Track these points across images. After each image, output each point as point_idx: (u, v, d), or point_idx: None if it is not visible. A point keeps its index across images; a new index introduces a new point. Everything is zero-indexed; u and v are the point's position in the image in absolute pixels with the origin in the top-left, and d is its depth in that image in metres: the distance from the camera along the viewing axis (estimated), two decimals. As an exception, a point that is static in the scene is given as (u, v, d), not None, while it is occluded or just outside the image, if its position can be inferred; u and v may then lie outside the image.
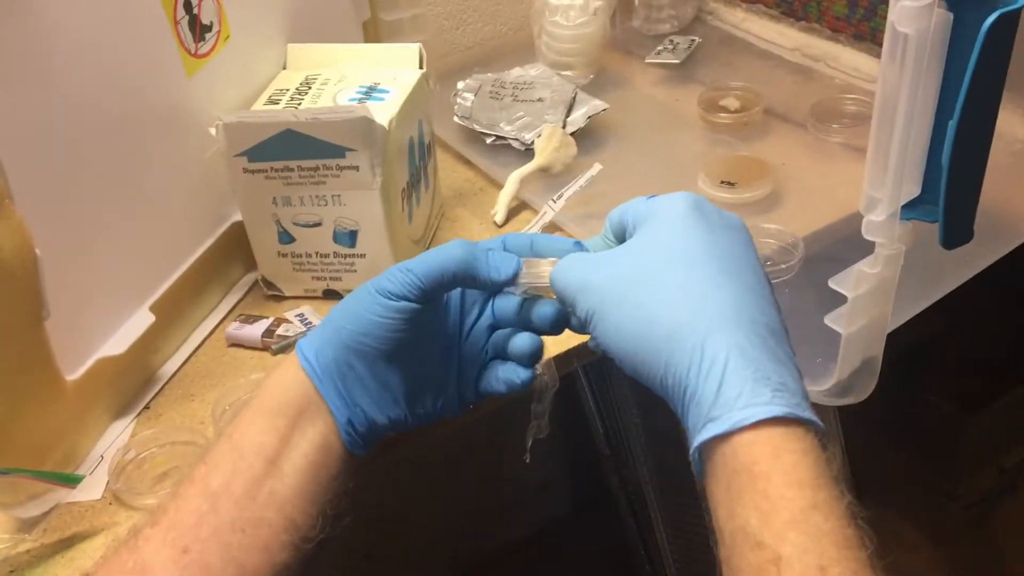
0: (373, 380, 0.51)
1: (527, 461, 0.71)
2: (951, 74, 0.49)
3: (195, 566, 0.46)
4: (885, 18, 0.96)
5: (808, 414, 0.40)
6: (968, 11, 0.47)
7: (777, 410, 0.39)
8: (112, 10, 0.61)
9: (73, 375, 0.60)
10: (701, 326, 0.42)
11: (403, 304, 0.50)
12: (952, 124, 0.48)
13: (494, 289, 0.53)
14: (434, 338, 0.53)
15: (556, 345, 0.69)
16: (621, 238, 0.50)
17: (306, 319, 0.72)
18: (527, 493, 1.39)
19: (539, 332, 0.54)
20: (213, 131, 0.68)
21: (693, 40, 1.06)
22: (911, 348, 1.39)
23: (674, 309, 0.43)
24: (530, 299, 0.53)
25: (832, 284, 0.56)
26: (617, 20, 1.09)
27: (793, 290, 0.71)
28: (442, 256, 0.50)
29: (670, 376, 0.42)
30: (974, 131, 0.49)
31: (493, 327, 0.55)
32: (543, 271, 0.51)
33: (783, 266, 0.72)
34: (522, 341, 0.53)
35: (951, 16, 0.48)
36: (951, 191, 0.50)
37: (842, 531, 0.38)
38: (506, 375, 0.54)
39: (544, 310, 0.52)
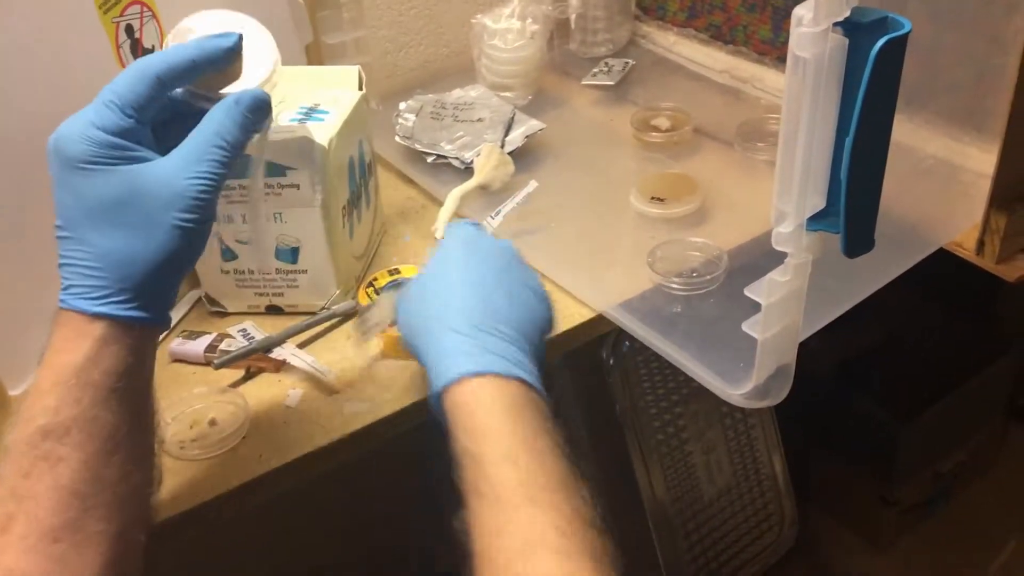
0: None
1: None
2: (848, 94, 0.52)
3: (73, 548, 0.47)
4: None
5: (513, 371, 0.55)
6: (861, 36, 0.51)
7: (480, 368, 0.54)
8: (54, 34, 0.63)
9: (15, 390, 0.62)
10: (444, 322, 0.57)
11: (209, 213, 0.52)
12: (848, 140, 0.52)
13: None
14: None
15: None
16: None
17: (249, 334, 0.74)
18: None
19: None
20: (155, 151, 0.70)
21: (627, 63, 1.10)
22: (849, 360, 1.43)
23: (435, 308, 0.59)
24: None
25: (747, 292, 0.59)
26: (554, 43, 1.12)
27: (718, 300, 0.74)
28: (226, 152, 0.52)
29: (430, 351, 0.57)
30: (870, 147, 0.53)
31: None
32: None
33: (708, 277, 0.75)
34: None
35: (847, 41, 0.51)
36: (850, 203, 0.54)
37: (533, 441, 0.52)
38: None
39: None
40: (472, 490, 0.51)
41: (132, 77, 0.50)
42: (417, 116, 0.98)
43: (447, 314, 0.58)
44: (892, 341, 1.47)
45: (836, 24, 0.50)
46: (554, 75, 1.10)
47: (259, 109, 0.54)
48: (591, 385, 1.03)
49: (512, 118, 0.96)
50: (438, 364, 0.56)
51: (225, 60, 0.54)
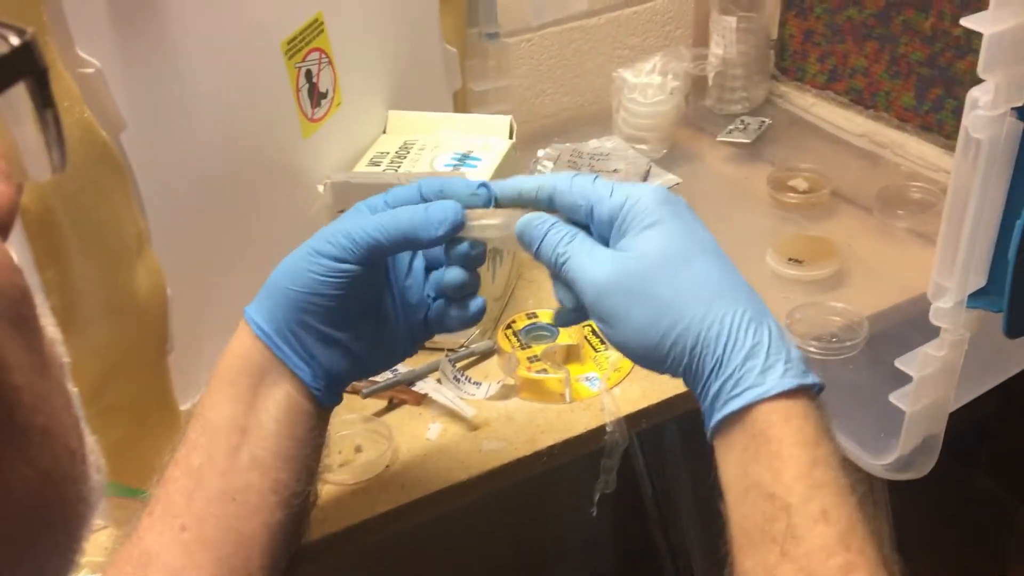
0: (325, 334, 0.54)
1: (594, 514, 0.74)
2: (1019, 177, 0.53)
3: (196, 542, 0.49)
4: (952, 111, 1.00)
5: (809, 379, 0.46)
6: (1038, 121, 0.51)
7: (788, 383, 0.45)
8: (246, 79, 0.68)
9: (186, 405, 0.66)
10: (726, 308, 0.47)
11: (344, 266, 0.52)
12: (1020, 224, 0.52)
13: (435, 244, 0.54)
14: (376, 286, 0.56)
15: (627, 404, 0.73)
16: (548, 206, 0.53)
17: (396, 369, 0.77)
18: (572, 549, 1.41)
19: (466, 267, 0.56)
20: (321, 188, 0.74)
21: (763, 121, 1.11)
22: (966, 429, 1.39)
23: (698, 296, 0.47)
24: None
25: (899, 364, 0.60)
26: (691, 99, 1.14)
27: (857, 367, 0.74)
28: (383, 224, 0.52)
29: (697, 357, 0.47)
30: (1040, 231, 0.53)
31: (428, 267, 0.58)
32: (488, 223, 0.54)
33: (848, 343, 0.75)
34: (452, 276, 0.56)
35: (1022, 125, 0.52)
36: (1016, 284, 0.54)
37: (837, 481, 0.44)
38: (459, 313, 0.57)
39: (461, 248, 0.54)
40: (769, 538, 0.44)
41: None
42: (555, 164, 1.00)
43: (722, 298, 0.47)
44: (1015, 413, 1.42)
45: (1013, 108, 0.51)
46: (689, 130, 1.12)
47: (439, 213, 0.53)
48: (699, 448, 1.03)
49: (648, 171, 0.98)
50: (726, 368, 0.46)
51: (466, 193, 0.55)
